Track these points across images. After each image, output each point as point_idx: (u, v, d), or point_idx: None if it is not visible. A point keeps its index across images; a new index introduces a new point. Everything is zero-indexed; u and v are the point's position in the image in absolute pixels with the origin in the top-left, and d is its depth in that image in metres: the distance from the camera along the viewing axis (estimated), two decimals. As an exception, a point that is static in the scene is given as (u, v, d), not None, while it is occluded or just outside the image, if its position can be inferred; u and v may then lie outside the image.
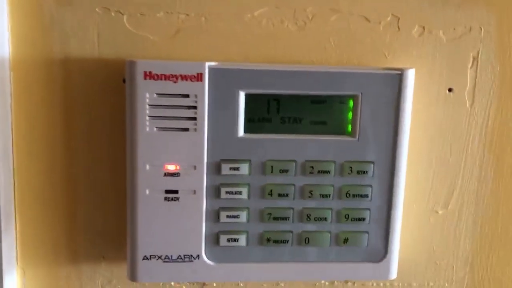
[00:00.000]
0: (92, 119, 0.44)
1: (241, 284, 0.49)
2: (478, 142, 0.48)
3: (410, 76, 0.42)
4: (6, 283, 0.45)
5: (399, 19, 0.45)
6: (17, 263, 0.47)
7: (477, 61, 0.46)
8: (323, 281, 0.50)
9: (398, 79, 0.41)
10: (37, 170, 0.45)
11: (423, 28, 0.45)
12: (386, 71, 0.41)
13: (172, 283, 0.49)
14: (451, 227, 0.49)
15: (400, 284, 0.51)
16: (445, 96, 0.46)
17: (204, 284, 0.49)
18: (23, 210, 0.46)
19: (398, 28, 0.45)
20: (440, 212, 0.49)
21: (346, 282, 0.50)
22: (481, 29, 0.45)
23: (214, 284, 0.49)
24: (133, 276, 0.43)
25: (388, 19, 0.44)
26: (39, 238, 0.47)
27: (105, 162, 0.45)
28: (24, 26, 0.42)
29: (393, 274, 0.45)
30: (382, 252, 0.45)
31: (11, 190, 0.45)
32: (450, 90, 0.46)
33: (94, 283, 0.48)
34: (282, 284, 0.50)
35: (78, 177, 0.45)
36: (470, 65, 0.46)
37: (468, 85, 0.46)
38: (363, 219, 0.44)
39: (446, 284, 0.51)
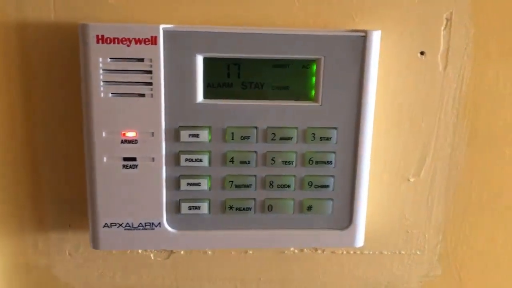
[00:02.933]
0: (51, 85, 0.43)
1: (209, 252, 0.49)
2: (452, 107, 0.46)
3: (375, 38, 0.40)
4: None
5: (367, -22, 0.43)
6: (-17, 231, 0.47)
7: (450, 23, 0.44)
8: (292, 249, 0.49)
9: (362, 41, 0.40)
10: (-2, 137, 0.45)
11: (393, -13, 0.43)
12: (349, 33, 0.40)
13: (140, 251, 0.48)
14: (423, 195, 0.48)
15: (371, 252, 0.50)
16: (416, 60, 0.45)
17: (171, 252, 0.49)
18: (-14, 178, 0.46)
19: (366, -12, 0.43)
20: (411, 179, 0.48)
21: (316, 250, 0.50)
22: (454, -11, 0.43)
23: (182, 252, 0.49)
24: (95, 244, 0.43)
25: (356, -22, 0.43)
26: (4, 207, 0.46)
27: (66, 129, 0.44)
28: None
29: (359, 242, 0.45)
30: (347, 220, 0.44)
31: (-27, 158, 0.44)
32: (422, 53, 0.45)
33: (62, 251, 0.48)
34: (251, 252, 0.49)
35: (39, 144, 0.45)
36: (443, 27, 0.44)
37: (441, 48, 0.44)
38: (327, 186, 0.43)
39: (418, 253, 0.50)
